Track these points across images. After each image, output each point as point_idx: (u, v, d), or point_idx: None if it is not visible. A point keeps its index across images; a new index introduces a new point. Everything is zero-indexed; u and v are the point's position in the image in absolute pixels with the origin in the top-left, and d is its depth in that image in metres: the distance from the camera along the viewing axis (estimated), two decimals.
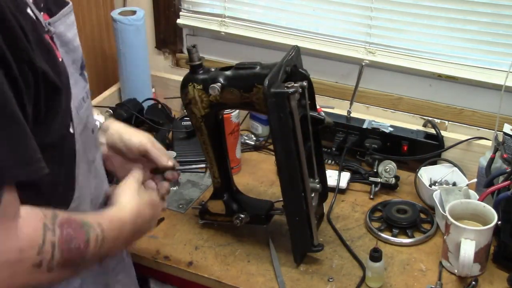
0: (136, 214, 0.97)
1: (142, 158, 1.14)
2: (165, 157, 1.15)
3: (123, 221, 0.94)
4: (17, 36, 0.73)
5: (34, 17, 0.79)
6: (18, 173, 0.73)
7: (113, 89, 1.89)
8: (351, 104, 1.65)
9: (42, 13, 0.83)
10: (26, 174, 0.74)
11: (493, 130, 1.47)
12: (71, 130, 0.87)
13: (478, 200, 1.31)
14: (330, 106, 1.72)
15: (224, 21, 1.81)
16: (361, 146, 1.62)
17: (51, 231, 0.78)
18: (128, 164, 1.14)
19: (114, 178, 1.18)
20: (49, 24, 0.83)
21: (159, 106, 1.83)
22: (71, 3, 0.92)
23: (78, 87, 0.90)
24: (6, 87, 0.71)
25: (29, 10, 0.78)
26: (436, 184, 1.49)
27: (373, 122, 1.63)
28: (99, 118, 1.14)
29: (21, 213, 0.76)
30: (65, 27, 0.88)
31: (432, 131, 1.60)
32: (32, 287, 0.79)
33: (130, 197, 0.99)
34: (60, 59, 0.83)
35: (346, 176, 1.54)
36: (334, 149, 1.62)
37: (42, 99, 0.78)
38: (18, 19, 0.74)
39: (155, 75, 1.91)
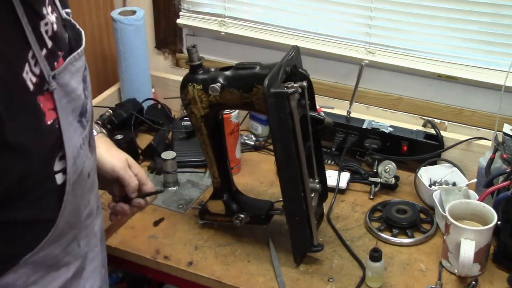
0: None
1: (117, 181, 1.17)
2: (134, 184, 1.18)
3: None
4: None
5: (28, 80, 0.76)
6: None
7: (113, 89, 1.89)
8: (351, 104, 1.65)
9: (44, 51, 0.80)
10: None
11: (493, 130, 1.47)
12: (58, 182, 0.85)
13: (478, 200, 1.31)
14: (330, 106, 1.72)
15: (224, 21, 1.81)
16: (361, 146, 1.62)
17: None
18: (106, 181, 1.17)
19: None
20: (53, 77, 0.81)
21: (159, 106, 1.83)
22: (83, 47, 0.90)
23: (76, 135, 0.88)
24: None
25: (25, 74, 0.76)
26: (436, 184, 1.49)
27: (373, 122, 1.63)
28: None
29: None
30: (70, 76, 0.85)
31: (432, 131, 1.60)
32: None
33: None
34: (49, 122, 0.80)
35: (346, 176, 1.54)
36: (334, 149, 1.62)
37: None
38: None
39: (155, 75, 1.91)
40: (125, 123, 1.71)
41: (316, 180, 1.30)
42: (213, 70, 1.25)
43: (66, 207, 0.87)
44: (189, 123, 1.65)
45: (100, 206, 1.08)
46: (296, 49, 1.28)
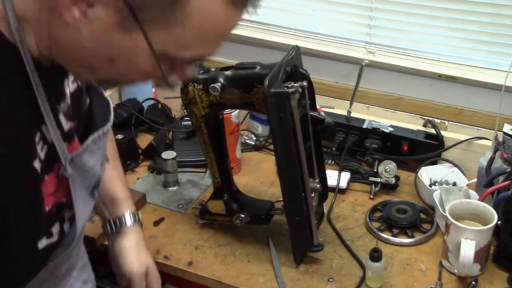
0: None
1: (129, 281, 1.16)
2: None
3: None
4: None
5: (38, 169, 0.74)
6: None
7: (113, 89, 1.89)
8: (351, 104, 1.65)
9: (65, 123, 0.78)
10: None
11: (493, 130, 1.47)
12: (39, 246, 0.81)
13: (478, 200, 1.31)
14: (330, 106, 1.71)
15: None
16: (361, 146, 1.61)
17: None
18: (119, 272, 1.17)
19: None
20: (71, 160, 0.78)
21: (159, 106, 1.83)
22: (111, 122, 0.88)
23: (86, 209, 0.87)
24: None
25: (36, 164, 0.73)
26: (436, 184, 1.49)
27: (373, 122, 1.63)
28: (127, 219, 1.16)
29: None
30: (89, 155, 0.83)
31: (432, 131, 1.60)
32: None
33: None
34: (48, 208, 0.78)
35: (346, 176, 1.54)
36: (334, 149, 1.61)
37: None
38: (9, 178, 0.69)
39: None
40: (125, 123, 1.71)
41: (317, 180, 1.30)
42: (213, 70, 1.25)
43: (43, 271, 0.83)
44: (189, 123, 1.65)
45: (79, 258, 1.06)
46: (296, 49, 1.28)
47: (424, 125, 1.64)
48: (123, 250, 1.14)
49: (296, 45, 1.29)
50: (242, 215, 1.35)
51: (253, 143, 1.74)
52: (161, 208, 1.49)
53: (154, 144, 1.65)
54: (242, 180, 1.55)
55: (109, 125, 0.88)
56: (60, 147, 0.76)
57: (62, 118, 0.78)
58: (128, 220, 1.15)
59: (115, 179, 1.15)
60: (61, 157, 0.76)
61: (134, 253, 1.15)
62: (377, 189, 1.52)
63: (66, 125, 0.79)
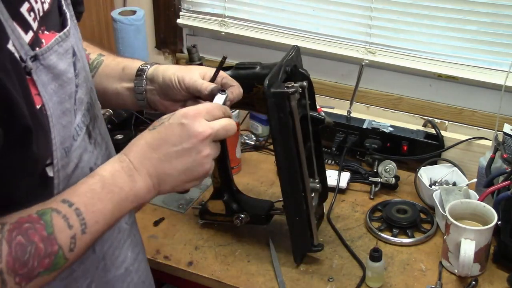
0: (126, 157, 0.82)
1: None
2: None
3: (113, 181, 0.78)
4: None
5: (16, 53, 0.69)
6: None
7: None
8: (351, 104, 1.65)
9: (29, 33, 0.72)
10: None
11: (493, 130, 1.47)
12: (49, 174, 0.78)
13: (478, 200, 1.31)
14: (330, 106, 1.72)
15: (224, 21, 1.81)
16: (361, 146, 1.62)
17: None
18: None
19: None
20: (34, 57, 0.73)
21: None
22: (70, 26, 0.83)
23: (67, 123, 0.80)
24: None
25: (10, 45, 0.69)
26: (436, 184, 1.49)
27: (373, 122, 1.63)
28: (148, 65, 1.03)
29: None
30: (58, 57, 0.77)
31: (432, 131, 1.60)
32: None
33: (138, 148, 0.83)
34: (39, 106, 0.73)
35: (346, 176, 1.54)
36: (334, 149, 1.61)
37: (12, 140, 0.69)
38: None
39: None
40: (125, 123, 1.71)
41: (316, 180, 1.30)
42: None
43: None
44: None
45: None
46: (296, 49, 1.28)
47: (424, 125, 1.64)
48: (167, 70, 1.00)
49: (296, 45, 1.29)
50: (242, 215, 1.35)
51: (253, 143, 1.74)
52: (161, 208, 1.49)
53: None
54: (242, 180, 1.55)
55: (68, 27, 0.82)
56: (20, 41, 0.71)
57: (29, 18, 0.73)
58: (150, 65, 1.03)
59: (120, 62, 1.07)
60: (21, 52, 0.71)
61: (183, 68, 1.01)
62: (377, 189, 1.52)
63: (34, 26, 0.75)
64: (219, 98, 0.95)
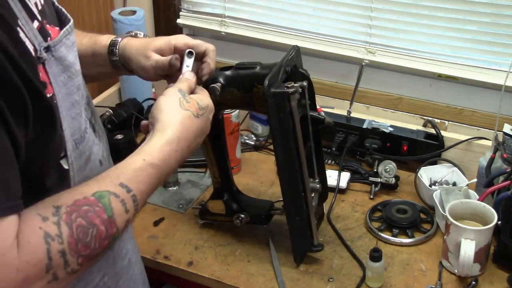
0: (177, 142, 0.87)
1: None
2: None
3: (160, 158, 0.83)
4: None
5: (29, 46, 0.72)
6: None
7: (113, 89, 1.89)
8: (351, 104, 1.65)
9: (36, 23, 0.75)
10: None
11: (493, 130, 1.47)
12: (65, 166, 0.81)
13: (478, 200, 1.31)
14: (330, 106, 1.72)
15: (224, 21, 1.81)
16: (361, 146, 1.62)
17: (55, 239, 0.69)
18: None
19: None
20: (47, 48, 0.76)
21: None
22: (72, 21, 0.85)
23: (77, 115, 0.83)
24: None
25: (21, 35, 0.71)
26: (436, 184, 1.49)
27: (373, 122, 1.63)
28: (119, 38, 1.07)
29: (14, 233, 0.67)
30: (67, 49, 0.80)
31: (432, 131, 1.60)
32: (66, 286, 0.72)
33: (168, 121, 0.88)
34: (49, 95, 0.75)
35: (346, 176, 1.54)
36: (334, 149, 1.61)
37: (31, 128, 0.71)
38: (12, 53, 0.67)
39: None
40: (125, 123, 1.71)
41: (316, 180, 1.30)
42: None
43: None
44: None
45: None
46: (296, 49, 1.28)
47: (424, 125, 1.64)
48: (130, 63, 1.05)
49: (296, 45, 1.29)
50: (242, 215, 1.35)
51: (253, 143, 1.74)
52: (161, 208, 1.49)
53: None
54: (242, 180, 1.55)
55: (72, 21, 0.85)
56: (33, 32, 0.74)
57: (34, 9, 0.76)
58: (121, 38, 1.06)
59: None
60: (35, 43, 0.73)
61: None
62: (377, 189, 1.52)
63: (39, 17, 0.77)
64: (189, 61, 1.03)
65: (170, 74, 1.05)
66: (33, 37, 0.74)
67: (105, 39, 1.07)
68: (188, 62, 1.03)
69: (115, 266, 0.99)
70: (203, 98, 0.97)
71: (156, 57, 1.03)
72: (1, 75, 0.66)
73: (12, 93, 0.67)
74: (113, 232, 0.75)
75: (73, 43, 0.83)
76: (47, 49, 0.76)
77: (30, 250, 0.67)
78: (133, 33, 1.11)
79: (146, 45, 1.05)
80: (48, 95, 0.75)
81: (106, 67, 1.08)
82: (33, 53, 0.73)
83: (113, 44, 1.06)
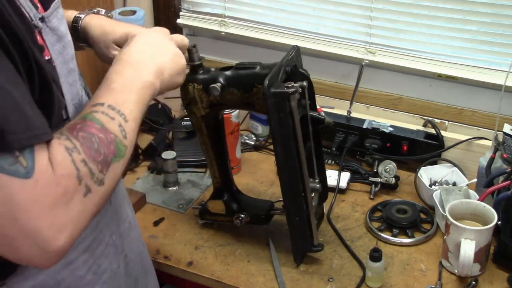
0: (129, 54, 0.92)
1: None
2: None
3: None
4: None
5: (25, 13, 0.77)
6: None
7: None
8: (351, 104, 1.65)
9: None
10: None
11: (493, 130, 1.47)
12: None
13: (478, 200, 1.31)
14: (330, 106, 1.72)
15: (224, 21, 1.81)
16: (361, 146, 1.62)
17: (73, 150, 0.74)
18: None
19: None
20: (41, 19, 0.81)
21: (159, 106, 1.83)
22: None
23: (74, 82, 0.89)
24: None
25: (18, 4, 0.76)
26: (436, 184, 1.49)
27: (373, 122, 1.63)
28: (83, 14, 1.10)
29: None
30: (58, 21, 0.86)
31: (432, 131, 1.60)
32: (101, 206, 0.77)
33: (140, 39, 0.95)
34: (47, 57, 0.81)
35: (346, 176, 1.54)
36: (334, 149, 1.62)
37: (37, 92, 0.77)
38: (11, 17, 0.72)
39: None
40: None
41: (316, 180, 1.30)
42: (213, 70, 1.25)
43: None
44: (189, 122, 1.65)
45: None
46: (296, 49, 1.28)
47: (424, 125, 1.64)
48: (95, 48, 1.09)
49: (296, 45, 1.29)
50: (242, 215, 1.35)
51: (253, 143, 1.74)
52: (161, 208, 1.49)
53: (154, 144, 1.66)
54: (242, 180, 1.55)
55: None
56: (27, 3, 0.78)
57: None
58: (84, 14, 1.10)
59: None
60: (30, 13, 0.78)
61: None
62: (377, 189, 1.52)
63: None
64: None
65: None
66: (28, 8, 0.79)
67: (69, 15, 1.11)
68: None
69: (119, 227, 1.08)
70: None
71: (115, 52, 1.08)
72: (4, 24, 0.70)
73: (16, 43, 0.71)
74: (111, 137, 0.79)
75: (62, 15, 0.89)
76: (42, 19, 0.81)
77: (61, 164, 0.72)
78: (95, 10, 1.14)
79: (106, 34, 1.09)
80: (46, 58, 0.80)
81: None
82: (30, 21, 0.78)
83: (75, 21, 1.10)
